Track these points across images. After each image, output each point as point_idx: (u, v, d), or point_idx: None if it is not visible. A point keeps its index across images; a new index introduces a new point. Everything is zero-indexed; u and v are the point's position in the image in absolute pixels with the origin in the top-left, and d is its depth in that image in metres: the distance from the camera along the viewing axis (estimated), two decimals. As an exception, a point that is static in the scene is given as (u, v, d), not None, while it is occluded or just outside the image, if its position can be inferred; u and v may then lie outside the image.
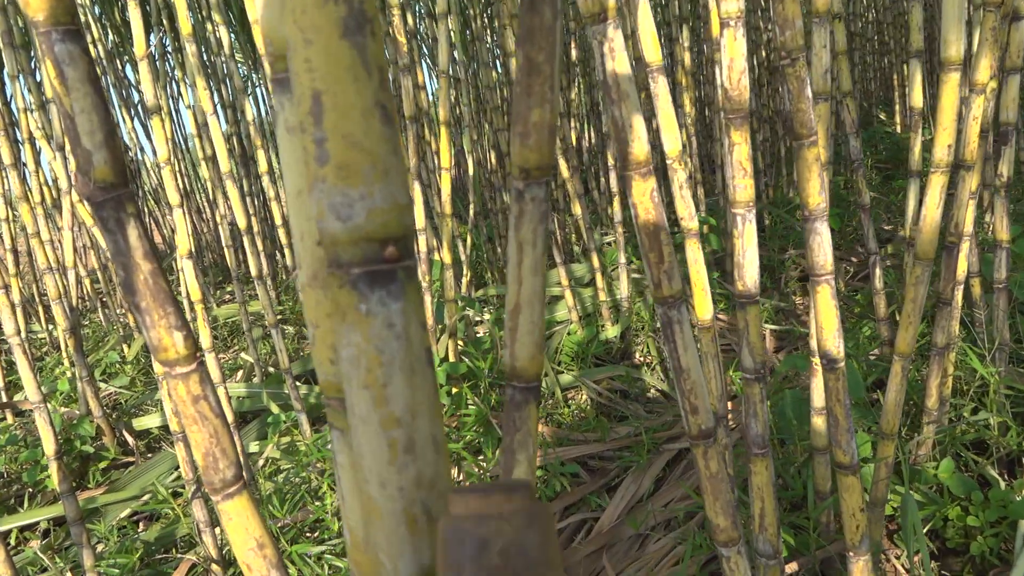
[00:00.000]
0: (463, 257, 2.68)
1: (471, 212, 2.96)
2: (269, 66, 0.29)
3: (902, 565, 1.14)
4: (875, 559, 1.06)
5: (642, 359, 2.12)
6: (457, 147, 3.81)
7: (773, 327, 2.16)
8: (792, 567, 1.13)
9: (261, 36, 0.29)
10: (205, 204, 4.47)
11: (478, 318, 2.47)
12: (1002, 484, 1.18)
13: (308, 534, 1.42)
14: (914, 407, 1.38)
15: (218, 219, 3.07)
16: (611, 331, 2.20)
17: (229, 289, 4.06)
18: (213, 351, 1.39)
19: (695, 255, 0.95)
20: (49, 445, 1.23)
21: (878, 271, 1.55)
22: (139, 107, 3.79)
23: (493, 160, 3.29)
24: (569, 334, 2.21)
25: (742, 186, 0.77)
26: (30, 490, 1.90)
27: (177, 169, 4.04)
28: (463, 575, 0.19)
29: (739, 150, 0.76)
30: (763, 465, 0.81)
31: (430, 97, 3.02)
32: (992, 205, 1.33)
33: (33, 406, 1.22)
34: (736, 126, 0.76)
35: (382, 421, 0.21)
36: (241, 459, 0.45)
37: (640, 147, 0.57)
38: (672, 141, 0.95)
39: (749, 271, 0.78)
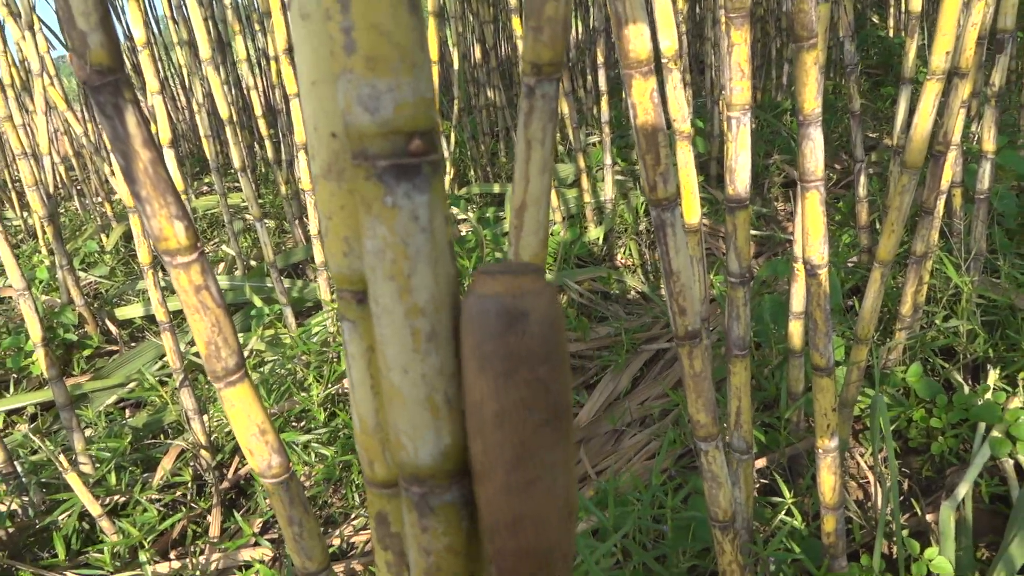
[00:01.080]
0: (446, 155, 2.64)
1: (455, 109, 2.90)
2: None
3: (865, 462, 1.19)
4: (841, 456, 1.12)
5: (624, 261, 2.14)
6: (440, 39, 3.69)
7: (755, 232, 2.18)
8: (762, 462, 1.19)
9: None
10: (180, 92, 4.33)
11: (462, 216, 2.46)
12: (966, 389, 1.23)
13: (295, 423, 1.46)
14: (888, 313, 1.41)
15: (195, 107, 2.99)
16: (594, 232, 2.21)
17: (207, 180, 3.99)
18: (197, 243, 1.39)
19: (686, 158, 0.94)
20: (35, 332, 1.24)
21: (863, 179, 1.56)
22: (108, -14, 3.62)
23: (478, 54, 3.20)
24: (552, 234, 2.22)
25: (739, 88, 0.76)
26: (15, 376, 1.92)
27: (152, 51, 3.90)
28: (505, 345, 0.21)
29: (738, 51, 0.75)
30: (742, 366, 0.83)
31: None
32: (980, 114, 1.33)
33: (17, 293, 1.22)
34: (737, 25, 0.74)
35: (407, 311, 0.22)
36: (239, 341, 0.46)
37: (642, 44, 0.56)
38: (669, 39, 0.93)
39: (741, 175, 0.78)
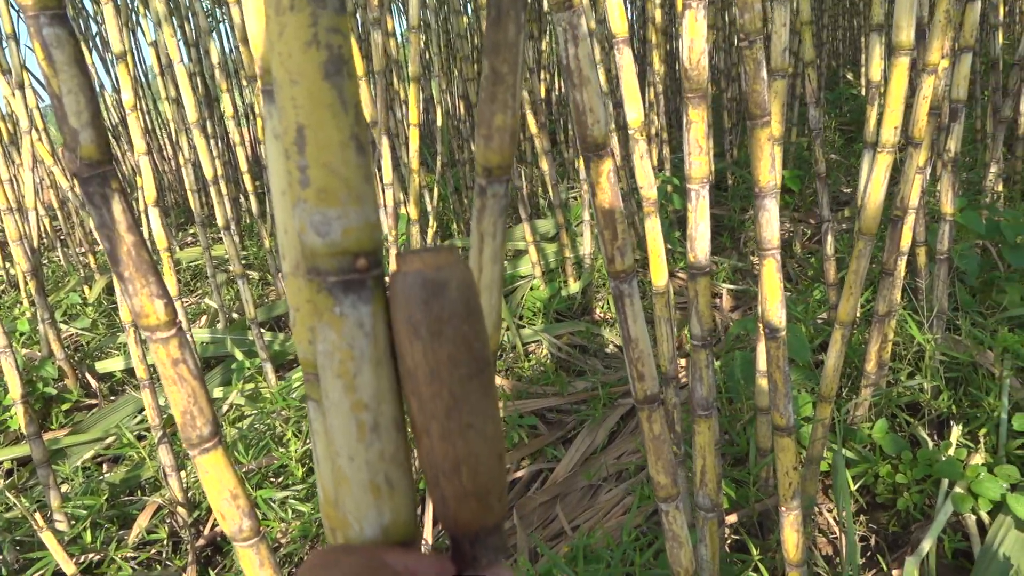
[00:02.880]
0: (429, 208, 2.69)
1: (438, 163, 2.96)
2: (260, 78, 0.31)
3: (833, 518, 1.22)
4: (808, 512, 1.14)
5: (602, 315, 2.18)
6: (426, 95, 3.78)
7: (730, 287, 2.22)
8: (732, 518, 1.21)
9: (252, 51, 0.31)
10: (167, 143, 4.38)
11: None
12: (930, 444, 1.26)
13: (272, 479, 1.47)
14: (855, 370, 1.45)
15: (181, 162, 3.03)
16: (573, 287, 2.25)
17: (192, 231, 4.02)
18: (179, 297, 1.41)
19: (652, 224, 0.98)
20: (15, 389, 1.25)
21: (830, 238, 1.61)
22: (96, 39, 3.69)
23: (462, 109, 3.27)
24: (532, 289, 2.25)
25: (697, 163, 0.80)
26: (-8, 430, 1.91)
27: (140, 107, 3.95)
28: (430, 311, 0.25)
29: (696, 128, 0.80)
30: (706, 426, 0.86)
31: (399, 40, 3.00)
32: (940, 178, 1.39)
33: (0, 350, 1.23)
34: (694, 105, 0.79)
35: (352, 406, 0.25)
36: (214, 411, 0.49)
37: (599, 130, 0.60)
38: (635, 112, 0.98)
39: (701, 244, 0.82)
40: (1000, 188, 1.98)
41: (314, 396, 0.34)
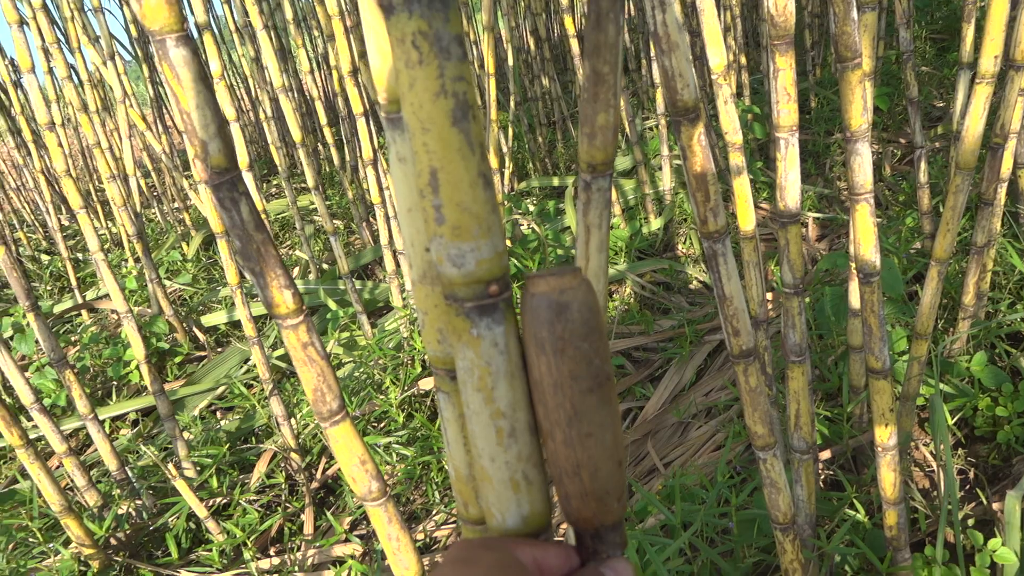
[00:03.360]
0: (505, 149, 2.70)
1: (512, 103, 2.95)
2: (383, 107, 0.34)
3: (930, 452, 1.21)
4: (904, 448, 1.14)
5: (685, 251, 2.17)
6: (495, 36, 3.74)
7: (816, 215, 2.17)
8: (826, 454, 1.22)
9: (375, 82, 0.34)
10: (245, 97, 4.45)
11: (521, 214, 2.52)
12: (1033, 375, 1.23)
13: (375, 424, 1.55)
14: (952, 301, 1.42)
15: (262, 117, 3.11)
16: (654, 224, 2.24)
17: (275, 183, 4.14)
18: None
19: (739, 168, 0.98)
20: (139, 350, 1.35)
21: (923, 165, 1.55)
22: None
23: (532, 45, 3.24)
24: (612, 228, 2.26)
25: (786, 111, 0.79)
26: (115, 383, 2.06)
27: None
28: (554, 330, 0.28)
29: (783, 75, 0.78)
30: (799, 371, 0.87)
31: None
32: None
33: (122, 315, 1.33)
34: (781, 52, 0.78)
35: (492, 414, 0.28)
36: (340, 386, 0.53)
37: (689, 94, 0.60)
38: (718, 56, 0.96)
39: (791, 192, 0.82)
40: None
41: (444, 388, 0.37)
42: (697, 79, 2.29)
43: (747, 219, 1.00)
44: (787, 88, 0.79)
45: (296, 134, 1.56)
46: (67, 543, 1.28)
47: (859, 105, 0.80)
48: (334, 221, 3.02)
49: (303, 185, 3.58)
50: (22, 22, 1.24)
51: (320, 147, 3.79)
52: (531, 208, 2.51)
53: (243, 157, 1.43)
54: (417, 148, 0.26)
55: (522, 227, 2.13)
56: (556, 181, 2.76)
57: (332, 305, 2.16)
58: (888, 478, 0.90)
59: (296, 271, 2.62)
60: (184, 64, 0.44)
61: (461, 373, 0.28)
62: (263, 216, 3.23)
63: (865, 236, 0.83)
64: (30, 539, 1.33)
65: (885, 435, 0.88)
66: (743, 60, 2.66)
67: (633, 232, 2.21)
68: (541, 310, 0.27)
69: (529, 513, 0.29)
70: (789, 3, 0.76)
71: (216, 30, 4.03)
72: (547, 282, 0.28)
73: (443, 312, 0.33)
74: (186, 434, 1.70)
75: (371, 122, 1.50)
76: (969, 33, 1.39)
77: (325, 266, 2.57)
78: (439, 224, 0.26)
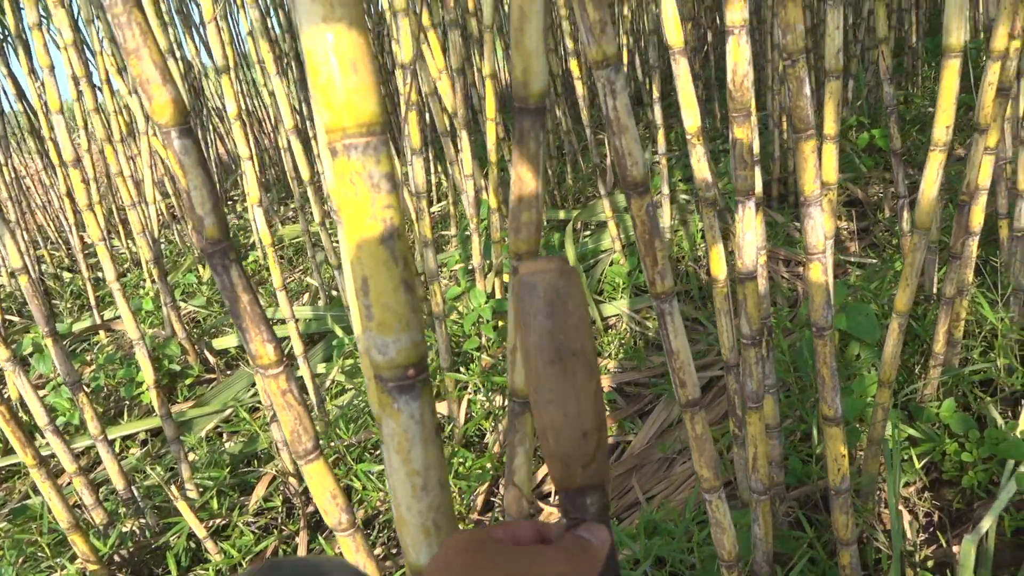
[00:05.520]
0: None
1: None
2: (333, 211, 0.41)
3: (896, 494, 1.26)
4: (870, 490, 1.19)
5: (682, 288, 2.23)
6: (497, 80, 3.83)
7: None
8: (796, 492, 1.27)
9: (330, 193, 0.41)
10: (265, 117, 4.56)
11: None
12: (1000, 422, 1.28)
13: (371, 451, 1.62)
14: (927, 347, 1.47)
15: (281, 145, 3.21)
16: (652, 260, 2.30)
17: (292, 206, 4.24)
18: (284, 288, 1.56)
19: (710, 222, 1.04)
20: (149, 375, 1.43)
21: (906, 214, 1.61)
22: (200, 26, 3.87)
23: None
24: (612, 264, 2.32)
25: (743, 176, 0.86)
26: (127, 403, 2.14)
27: (235, 78, 4.16)
28: (522, 306, 0.33)
29: (741, 145, 0.85)
30: (757, 417, 0.93)
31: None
32: (1017, 155, 1.38)
33: (134, 342, 1.41)
34: (739, 123, 0.85)
35: (408, 473, 0.34)
36: (315, 429, 0.60)
37: (638, 171, 0.67)
38: (692, 118, 1.03)
39: (748, 251, 0.88)
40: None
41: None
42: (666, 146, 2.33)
43: (718, 268, 1.06)
44: (744, 156, 0.86)
45: (305, 172, 1.64)
46: (73, 559, 1.35)
47: (811, 172, 0.86)
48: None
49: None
50: (52, 67, 1.34)
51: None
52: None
53: (254, 194, 1.51)
54: (352, 259, 0.33)
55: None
56: (563, 214, 2.83)
57: (339, 332, 2.23)
58: (840, 520, 0.95)
59: (306, 297, 2.70)
60: (185, 152, 0.51)
61: (385, 438, 0.35)
62: (280, 241, 3.32)
63: (818, 293, 0.89)
64: (39, 553, 1.40)
65: (837, 479, 0.94)
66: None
67: (632, 268, 2.27)
68: (516, 288, 0.34)
69: (436, 551, 0.36)
70: (746, 80, 0.83)
71: (242, 62, 4.15)
72: (526, 266, 0.34)
73: (376, 385, 0.40)
74: (192, 455, 1.77)
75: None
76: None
77: (334, 292, 2.65)
78: (368, 320, 0.33)
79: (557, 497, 0.40)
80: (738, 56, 0.83)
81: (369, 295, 0.33)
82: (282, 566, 0.29)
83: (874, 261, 2.02)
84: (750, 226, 0.87)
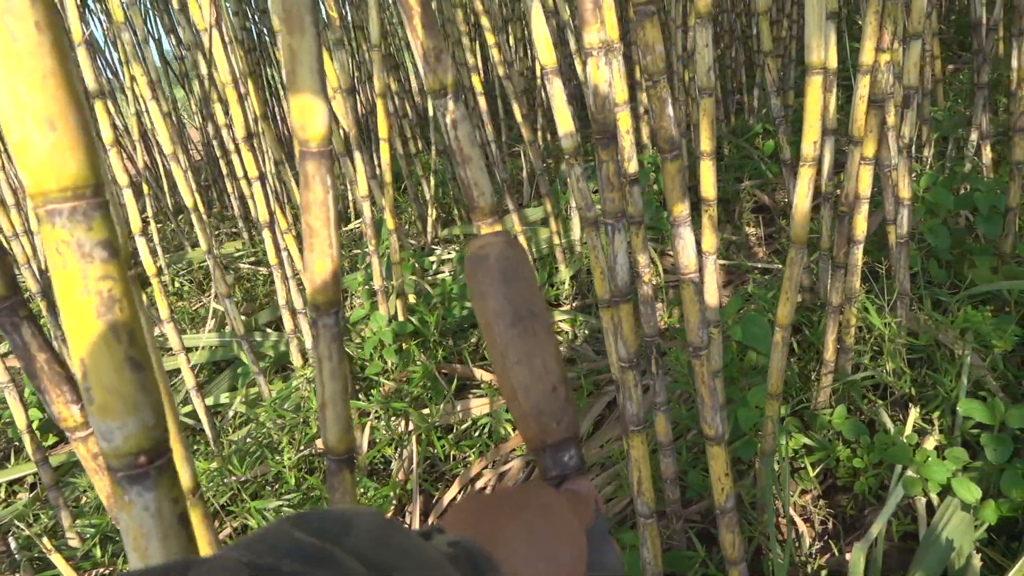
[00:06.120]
0: (428, 196, 2.74)
1: (433, 150, 3.01)
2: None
3: (793, 504, 1.27)
4: (765, 502, 1.19)
5: (592, 301, 2.22)
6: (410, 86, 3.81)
7: (723, 262, 2.25)
8: (697, 506, 1.27)
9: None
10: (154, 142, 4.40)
11: (444, 257, 2.57)
12: (891, 427, 1.30)
13: (272, 484, 1.56)
14: (818, 355, 1.49)
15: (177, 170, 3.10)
16: (564, 273, 2.29)
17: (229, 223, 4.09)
18: (171, 321, 1.49)
19: (593, 243, 1.03)
20: (21, 419, 1.34)
21: (799, 223, 1.63)
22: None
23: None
24: (523, 278, 2.31)
25: (611, 199, 0.85)
26: (16, 444, 2.03)
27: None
28: (476, 278, 0.35)
29: (607, 167, 0.84)
30: (639, 440, 0.92)
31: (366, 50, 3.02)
32: (896, 165, 1.41)
33: (2, 385, 1.32)
34: (603, 146, 0.83)
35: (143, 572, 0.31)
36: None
37: (485, 201, 0.65)
38: (568, 139, 1.02)
39: (620, 274, 0.87)
40: (988, 153, 1.97)
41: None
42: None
43: (602, 288, 1.05)
44: (611, 178, 0.84)
45: (188, 200, 1.58)
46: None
47: (679, 193, 0.85)
48: (259, 268, 3.02)
49: (234, 230, 3.56)
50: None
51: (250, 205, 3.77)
52: (452, 255, 2.56)
53: (136, 223, 1.44)
54: (68, 336, 0.29)
55: (427, 283, 2.16)
56: (471, 229, 2.80)
57: (244, 359, 2.15)
58: (727, 539, 0.95)
59: (212, 323, 2.61)
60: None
61: (122, 533, 0.31)
62: (189, 265, 3.20)
63: (692, 314, 0.88)
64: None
65: (722, 498, 0.93)
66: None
67: (543, 281, 2.26)
68: (469, 264, 0.35)
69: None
70: (606, 103, 0.82)
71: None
72: (474, 242, 0.35)
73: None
74: (84, 497, 1.67)
75: (266, 186, 1.53)
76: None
77: (244, 317, 2.57)
78: (90, 404, 0.30)
79: (535, 459, 0.43)
80: (598, 78, 0.81)
81: (88, 377, 0.29)
82: (310, 518, 0.28)
83: (779, 267, 2.06)
84: (621, 248, 0.86)
